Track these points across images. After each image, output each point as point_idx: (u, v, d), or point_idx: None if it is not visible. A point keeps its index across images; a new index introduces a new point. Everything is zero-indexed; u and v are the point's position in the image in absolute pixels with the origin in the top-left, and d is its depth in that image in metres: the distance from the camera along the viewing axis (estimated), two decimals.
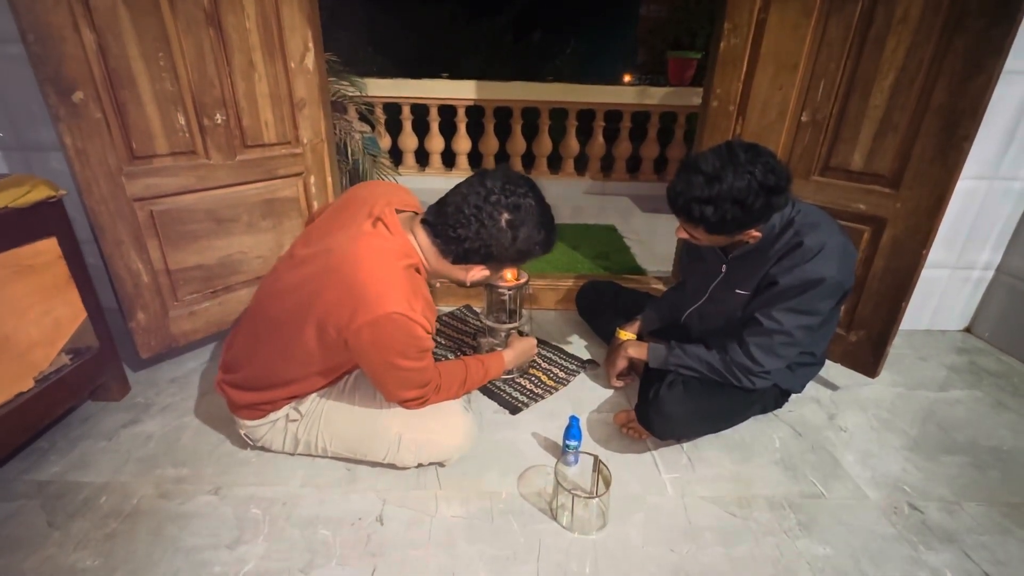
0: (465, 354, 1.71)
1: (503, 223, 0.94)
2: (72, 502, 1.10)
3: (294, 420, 1.16)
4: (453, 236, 0.96)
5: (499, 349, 1.55)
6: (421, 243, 1.01)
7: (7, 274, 1.09)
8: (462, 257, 0.99)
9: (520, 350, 1.40)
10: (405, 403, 1.08)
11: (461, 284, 1.10)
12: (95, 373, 1.34)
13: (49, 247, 1.19)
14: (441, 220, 0.97)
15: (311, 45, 1.58)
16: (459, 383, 1.16)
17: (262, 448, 1.23)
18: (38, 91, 1.17)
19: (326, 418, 1.15)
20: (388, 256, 0.94)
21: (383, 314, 0.88)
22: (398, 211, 1.04)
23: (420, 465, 1.18)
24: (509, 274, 1.46)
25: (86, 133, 1.23)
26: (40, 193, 1.15)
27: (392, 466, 1.17)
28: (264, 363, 1.07)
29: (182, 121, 1.39)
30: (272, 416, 1.15)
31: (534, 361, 1.68)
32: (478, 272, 1.03)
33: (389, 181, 1.45)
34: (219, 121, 1.46)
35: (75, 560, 0.97)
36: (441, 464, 1.21)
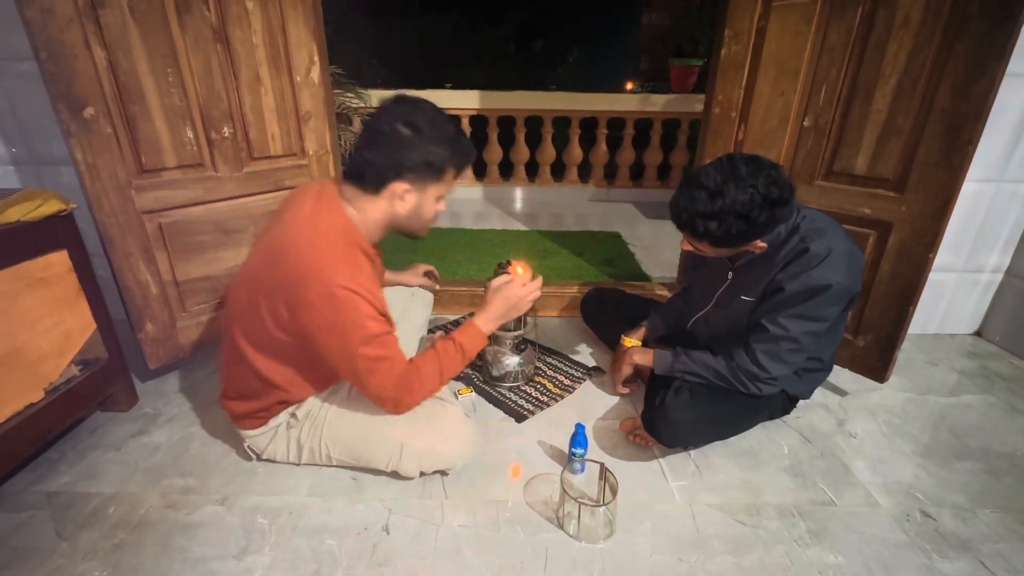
0: (472, 363, 1.71)
1: (400, 126, 0.95)
2: (80, 512, 1.11)
3: (293, 426, 1.16)
4: (364, 162, 0.97)
5: (502, 362, 1.55)
6: (348, 196, 1.02)
7: (19, 286, 1.11)
8: (379, 180, 0.98)
9: (497, 309, 1.14)
10: (385, 403, 1.03)
11: (412, 234, 1.09)
12: (104, 384, 1.35)
13: (60, 260, 1.21)
14: (353, 158, 1.00)
15: (316, 59, 1.60)
16: (436, 373, 1.06)
17: (268, 460, 1.23)
18: (50, 107, 1.19)
19: (329, 425, 1.15)
20: (327, 233, 0.96)
21: (327, 291, 0.90)
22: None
23: (423, 474, 1.18)
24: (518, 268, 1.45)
25: (96, 148, 1.25)
26: (51, 207, 1.17)
27: (396, 474, 1.17)
28: (243, 365, 1.08)
29: (190, 135, 1.42)
30: (272, 423, 1.15)
31: (539, 369, 1.68)
32: (404, 192, 0.99)
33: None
34: (226, 134, 1.48)
35: (83, 571, 0.97)
36: (444, 472, 1.21)
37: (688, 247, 1.18)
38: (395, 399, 1.03)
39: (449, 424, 1.16)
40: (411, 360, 1.06)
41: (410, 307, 1.55)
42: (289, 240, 0.95)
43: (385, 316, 0.99)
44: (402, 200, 1.01)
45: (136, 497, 1.15)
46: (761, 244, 1.12)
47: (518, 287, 1.15)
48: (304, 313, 0.93)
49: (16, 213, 1.09)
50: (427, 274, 1.58)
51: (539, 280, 1.19)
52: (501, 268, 1.48)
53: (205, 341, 1.59)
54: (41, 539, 1.04)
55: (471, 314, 2.07)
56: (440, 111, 1.00)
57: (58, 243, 1.20)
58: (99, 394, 1.35)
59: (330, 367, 1.05)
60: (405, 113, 0.96)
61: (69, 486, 1.18)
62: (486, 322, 1.13)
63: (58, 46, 1.16)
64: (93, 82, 1.22)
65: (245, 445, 1.21)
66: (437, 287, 1.60)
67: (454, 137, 1.00)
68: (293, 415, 1.16)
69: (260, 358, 1.06)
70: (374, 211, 1.02)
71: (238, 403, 1.14)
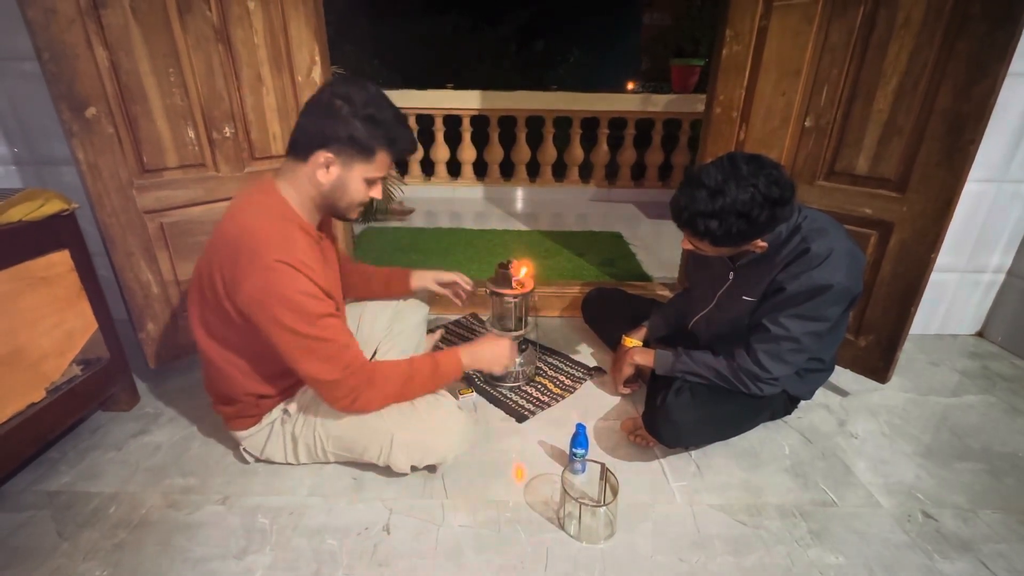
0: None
1: (335, 98, 0.94)
2: (81, 512, 1.11)
3: (286, 422, 1.16)
4: (297, 128, 0.97)
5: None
6: (285, 173, 1.01)
7: (21, 286, 1.11)
8: (307, 146, 0.96)
9: (482, 352, 1.21)
10: (325, 388, 1.00)
11: (340, 214, 1.06)
12: (105, 384, 1.36)
13: (62, 259, 1.21)
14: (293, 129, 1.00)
15: (317, 59, 1.60)
16: (401, 380, 1.06)
17: (266, 461, 1.23)
18: (52, 107, 1.19)
19: (323, 418, 1.14)
20: (260, 212, 0.96)
21: (261, 264, 0.90)
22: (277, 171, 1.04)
23: (415, 468, 1.16)
24: (519, 271, 1.46)
25: (98, 148, 1.26)
26: (53, 207, 1.17)
27: (388, 469, 1.15)
28: (210, 363, 1.08)
29: (192, 135, 1.42)
30: (266, 420, 1.15)
31: (540, 369, 1.68)
32: (327, 161, 0.96)
33: None
34: (228, 134, 1.49)
35: (84, 570, 0.97)
36: (433, 468, 1.20)
37: (689, 246, 1.18)
38: (348, 387, 1.00)
39: (441, 416, 1.14)
40: (380, 361, 1.06)
41: (403, 308, 1.51)
42: (224, 226, 0.97)
43: (330, 297, 0.98)
44: (326, 171, 0.98)
45: (137, 497, 1.15)
46: (762, 244, 1.12)
47: (507, 347, 1.25)
48: (240, 290, 0.92)
49: (18, 213, 1.10)
50: (448, 285, 1.51)
51: (516, 356, 1.26)
52: (503, 268, 1.48)
53: None
54: (42, 539, 1.04)
55: (473, 315, 2.08)
56: (385, 97, 0.98)
57: (60, 243, 1.21)
58: (100, 394, 1.35)
59: (277, 356, 1.01)
60: (344, 87, 0.95)
61: (70, 486, 1.18)
62: (466, 354, 1.18)
63: (60, 46, 1.16)
64: (95, 82, 1.22)
65: (241, 449, 1.21)
66: (459, 303, 1.55)
67: (390, 121, 0.97)
68: (285, 411, 1.16)
69: (218, 350, 1.05)
70: (304, 183, 0.99)
71: (222, 404, 1.14)
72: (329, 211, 1.07)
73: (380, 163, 1.00)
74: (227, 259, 0.93)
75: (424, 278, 1.49)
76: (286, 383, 1.15)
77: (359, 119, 0.94)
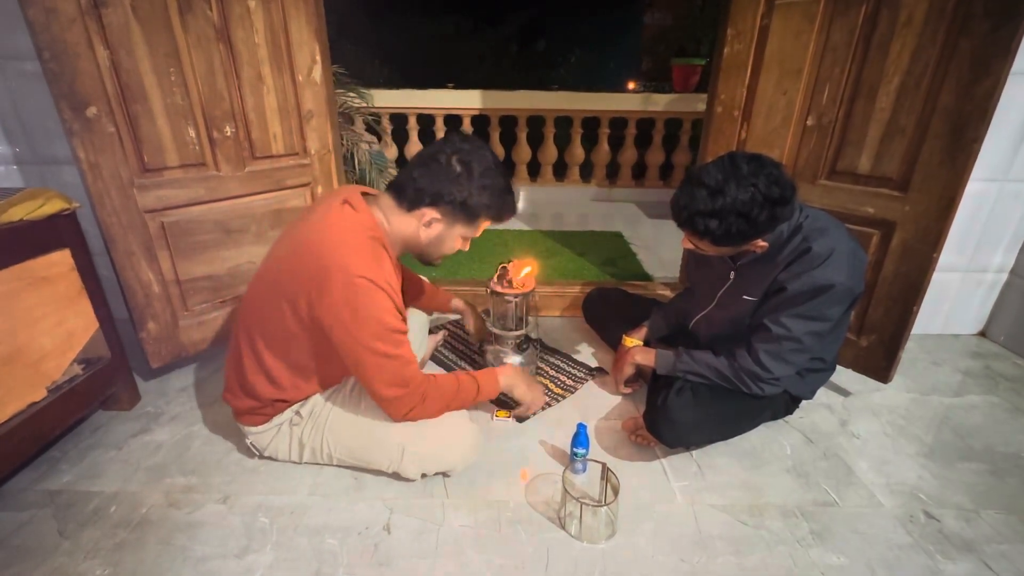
0: (474, 362, 1.72)
1: (455, 161, 0.99)
2: (82, 511, 1.11)
3: (296, 424, 1.16)
4: (408, 179, 1.01)
5: (504, 362, 1.54)
6: (383, 206, 1.05)
7: (21, 285, 1.11)
8: (415, 200, 1.01)
9: (521, 380, 1.29)
10: (388, 405, 1.05)
11: (426, 260, 1.12)
12: (106, 383, 1.36)
13: (62, 259, 1.21)
14: (401, 172, 1.05)
15: (318, 58, 1.60)
16: (449, 396, 1.12)
17: (269, 457, 1.23)
18: (53, 106, 1.19)
19: (331, 425, 1.15)
20: (352, 229, 0.98)
21: (348, 279, 0.92)
22: (366, 194, 1.08)
23: (424, 475, 1.18)
24: (520, 271, 1.47)
25: (99, 147, 1.26)
26: (54, 206, 1.17)
27: (397, 476, 1.16)
28: (252, 361, 1.09)
29: (192, 134, 1.42)
30: (276, 420, 1.15)
31: (541, 369, 1.67)
32: (432, 219, 1.02)
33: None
34: (228, 134, 1.48)
35: (85, 569, 0.97)
36: (446, 474, 1.21)
37: (689, 245, 1.17)
38: (397, 399, 1.04)
39: (452, 427, 1.16)
40: (432, 376, 1.10)
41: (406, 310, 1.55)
42: (315, 238, 0.98)
43: (402, 315, 1.01)
44: (427, 227, 1.04)
45: (138, 496, 1.15)
46: (762, 243, 1.12)
47: (540, 389, 1.36)
48: (323, 302, 0.94)
49: (19, 212, 1.10)
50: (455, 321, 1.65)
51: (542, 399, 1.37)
52: (504, 269, 1.48)
53: (207, 340, 1.60)
54: (43, 538, 1.04)
55: (486, 312, 2.06)
56: (499, 164, 1.05)
57: (61, 242, 1.21)
58: (101, 393, 1.35)
59: (336, 366, 1.08)
60: (465, 152, 1.00)
61: (71, 485, 1.18)
62: (507, 385, 1.25)
63: (61, 45, 1.16)
64: (96, 81, 1.22)
65: (248, 442, 1.21)
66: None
67: (500, 191, 1.04)
68: (297, 413, 1.16)
69: (270, 356, 1.07)
70: (400, 226, 1.05)
71: (240, 399, 1.14)
72: (416, 255, 1.12)
73: (481, 224, 1.09)
74: (316, 274, 0.94)
75: (457, 303, 1.65)
76: (306, 393, 1.15)
77: (475, 187, 1.00)
